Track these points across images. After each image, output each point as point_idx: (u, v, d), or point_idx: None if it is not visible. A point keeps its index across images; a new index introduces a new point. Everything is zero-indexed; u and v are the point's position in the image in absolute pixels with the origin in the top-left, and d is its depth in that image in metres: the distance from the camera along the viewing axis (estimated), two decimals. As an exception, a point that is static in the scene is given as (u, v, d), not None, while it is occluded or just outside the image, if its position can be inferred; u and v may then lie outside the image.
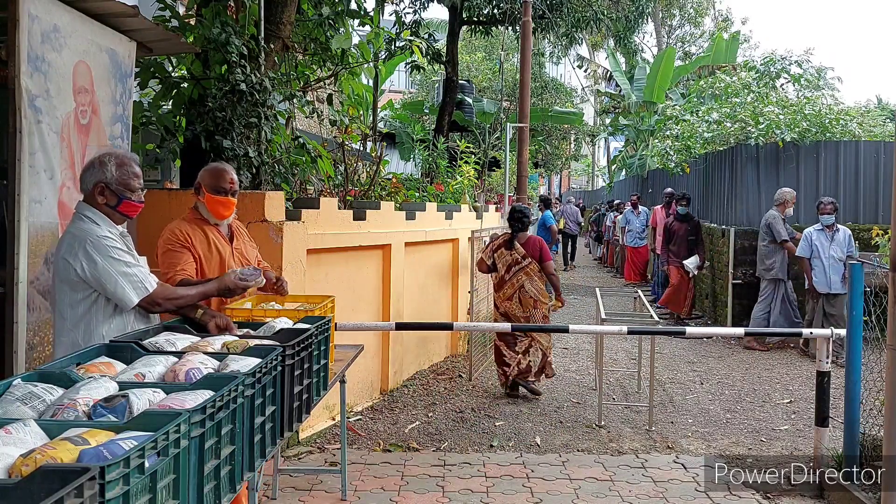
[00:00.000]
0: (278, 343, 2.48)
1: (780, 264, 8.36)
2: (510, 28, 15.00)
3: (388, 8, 12.37)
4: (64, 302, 2.72)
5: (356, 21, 7.20)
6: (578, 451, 5.09)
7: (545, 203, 14.73)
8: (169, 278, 3.16)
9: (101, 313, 2.71)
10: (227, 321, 2.88)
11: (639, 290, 8.18)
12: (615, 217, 16.74)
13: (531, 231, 8.46)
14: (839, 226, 7.83)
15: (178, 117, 5.30)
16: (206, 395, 1.88)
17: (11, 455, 1.42)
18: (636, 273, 14.18)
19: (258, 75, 5.08)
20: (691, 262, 9.99)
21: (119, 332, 2.69)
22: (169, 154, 5.32)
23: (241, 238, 3.63)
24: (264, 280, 3.08)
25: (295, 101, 6.32)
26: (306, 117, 7.86)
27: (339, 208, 5.64)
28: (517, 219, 6.42)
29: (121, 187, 2.75)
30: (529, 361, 6.35)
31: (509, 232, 6.49)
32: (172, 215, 4.69)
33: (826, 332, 4.58)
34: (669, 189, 11.80)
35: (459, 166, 10.74)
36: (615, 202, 18.42)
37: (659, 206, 12.16)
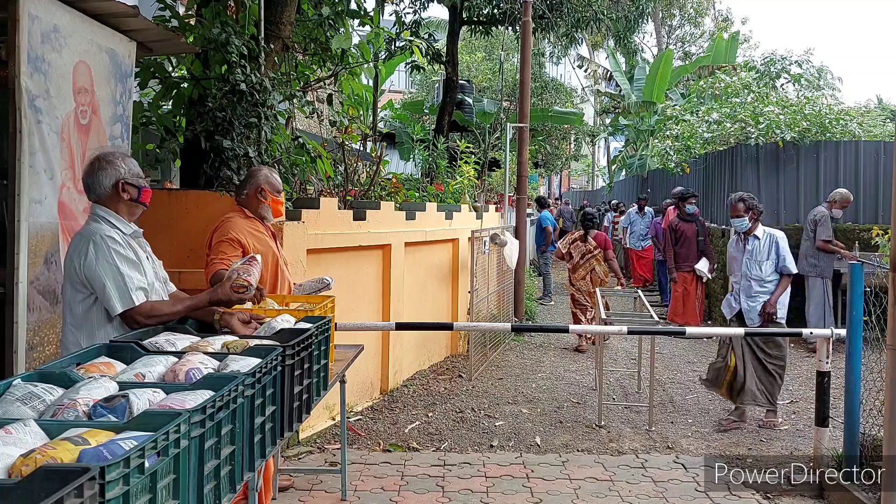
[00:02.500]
0: (278, 343, 2.48)
1: (825, 262, 8.01)
2: (510, 28, 14.98)
3: (388, 8, 12.38)
4: (68, 302, 2.72)
5: (356, 21, 7.19)
6: (578, 451, 5.09)
7: (541, 204, 14.67)
8: (210, 260, 3.57)
9: (101, 316, 2.68)
10: (249, 315, 2.87)
11: (639, 291, 8.17)
12: (614, 217, 16.67)
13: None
14: (767, 230, 5.77)
15: (178, 117, 5.30)
16: (206, 395, 1.88)
17: (11, 455, 1.42)
18: (639, 276, 13.80)
19: (258, 75, 5.08)
20: (704, 266, 8.95)
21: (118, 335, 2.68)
22: (169, 154, 5.31)
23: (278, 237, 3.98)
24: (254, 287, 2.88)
25: (295, 101, 6.31)
26: (306, 117, 7.85)
27: (339, 208, 5.64)
28: (588, 219, 8.68)
29: (136, 178, 2.78)
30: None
31: (584, 229, 8.64)
32: (172, 215, 4.71)
33: (826, 331, 4.58)
34: (680, 188, 10.71)
35: (459, 166, 10.74)
36: (613, 202, 18.40)
37: (672, 207, 10.70)
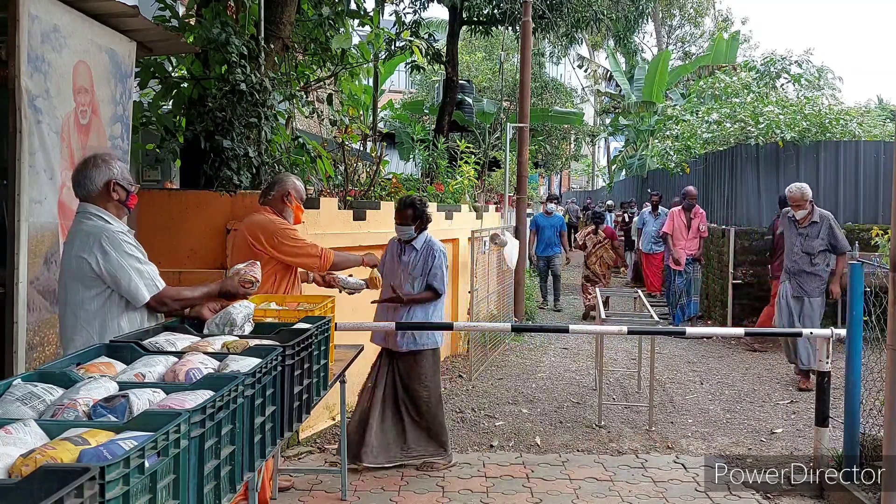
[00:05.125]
0: (278, 343, 2.48)
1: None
2: (510, 28, 14.97)
3: (388, 8, 12.38)
4: (76, 300, 2.74)
5: (356, 21, 7.20)
6: (578, 451, 5.09)
7: (556, 202, 14.36)
8: (316, 247, 3.83)
9: (115, 309, 2.74)
10: (220, 305, 2.95)
11: (639, 290, 8.17)
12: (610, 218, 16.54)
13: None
14: (428, 239, 4.80)
15: (178, 117, 5.30)
16: (206, 395, 1.88)
17: (11, 455, 1.42)
18: (655, 282, 12.57)
19: (258, 75, 5.08)
20: None
21: (132, 328, 2.74)
22: (169, 154, 5.31)
23: None
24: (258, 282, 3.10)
25: (295, 101, 6.31)
26: (306, 117, 7.85)
27: (339, 208, 5.64)
28: (598, 215, 11.47)
29: (126, 182, 2.84)
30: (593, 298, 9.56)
31: (595, 224, 11.19)
32: (172, 215, 4.71)
33: (826, 332, 4.58)
34: (691, 187, 10.08)
35: (459, 166, 10.73)
36: (609, 203, 18.37)
37: (677, 210, 10.02)
